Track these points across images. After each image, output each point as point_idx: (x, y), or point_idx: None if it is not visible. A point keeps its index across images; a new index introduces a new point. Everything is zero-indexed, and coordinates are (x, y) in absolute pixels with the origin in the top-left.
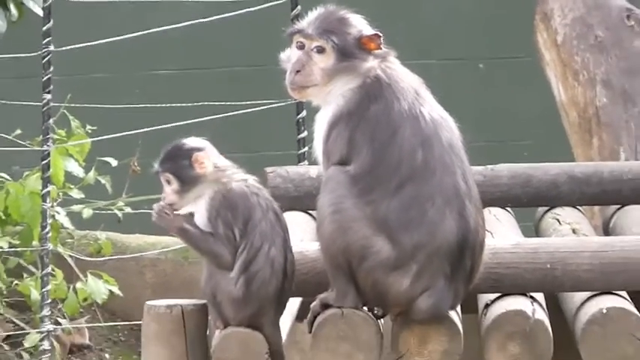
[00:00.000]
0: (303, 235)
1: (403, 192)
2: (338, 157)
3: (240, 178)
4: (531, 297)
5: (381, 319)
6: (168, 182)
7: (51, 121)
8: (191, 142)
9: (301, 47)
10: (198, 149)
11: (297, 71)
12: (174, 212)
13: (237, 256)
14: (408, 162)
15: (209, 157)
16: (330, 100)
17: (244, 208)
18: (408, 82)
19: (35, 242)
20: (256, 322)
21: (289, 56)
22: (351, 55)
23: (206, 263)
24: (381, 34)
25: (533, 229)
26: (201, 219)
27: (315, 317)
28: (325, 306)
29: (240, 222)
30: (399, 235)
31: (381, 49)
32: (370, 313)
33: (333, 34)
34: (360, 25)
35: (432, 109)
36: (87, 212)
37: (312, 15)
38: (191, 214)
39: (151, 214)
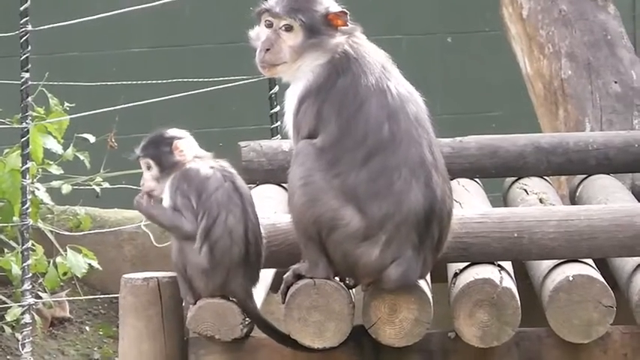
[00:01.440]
0: (277, 208)
1: (370, 163)
2: (307, 131)
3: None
4: (499, 265)
5: (353, 289)
6: (148, 167)
7: (29, 99)
8: (172, 131)
9: (269, 25)
10: (179, 137)
11: (267, 49)
12: (148, 199)
13: (198, 224)
14: (374, 134)
15: (189, 146)
16: (299, 76)
17: (198, 180)
18: (374, 57)
19: (16, 218)
20: (227, 291)
21: (258, 34)
22: (319, 32)
23: (173, 239)
24: (347, 11)
25: (501, 200)
26: (166, 197)
27: (288, 288)
28: (298, 276)
29: (194, 192)
30: (367, 205)
31: (347, 25)
32: (342, 283)
33: (300, 12)
34: (326, 2)
35: (398, 83)
36: (66, 188)
37: None
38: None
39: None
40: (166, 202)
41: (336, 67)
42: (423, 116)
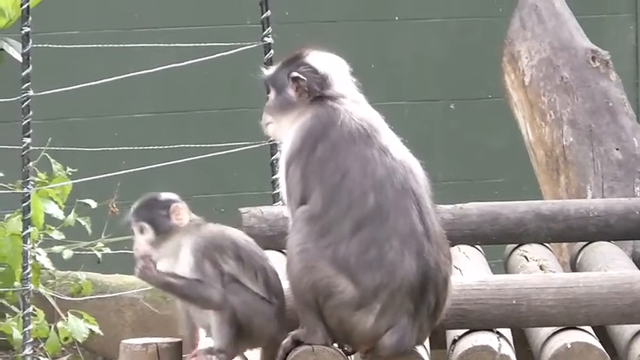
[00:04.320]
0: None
1: (359, 235)
2: (298, 197)
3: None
4: (498, 332)
5: (351, 356)
6: (142, 231)
7: (31, 164)
8: (166, 194)
9: None
10: (176, 201)
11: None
12: (157, 267)
13: (256, 282)
14: (359, 206)
15: (187, 210)
16: (284, 140)
17: (229, 243)
18: (359, 121)
19: (17, 283)
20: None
21: None
22: (285, 94)
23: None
24: (304, 78)
25: (502, 266)
26: (185, 267)
27: (286, 354)
28: (296, 342)
29: (232, 257)
30: (360, 276)
31: (308, 91)
32: (340, 350)
33: (272, 74)
34: (299, 66)
35: (386, 149)
36: (67, 253)
37: None
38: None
39: (135, 271)
40: (187, 272)
41: (310, 131)
42: (414, 183)
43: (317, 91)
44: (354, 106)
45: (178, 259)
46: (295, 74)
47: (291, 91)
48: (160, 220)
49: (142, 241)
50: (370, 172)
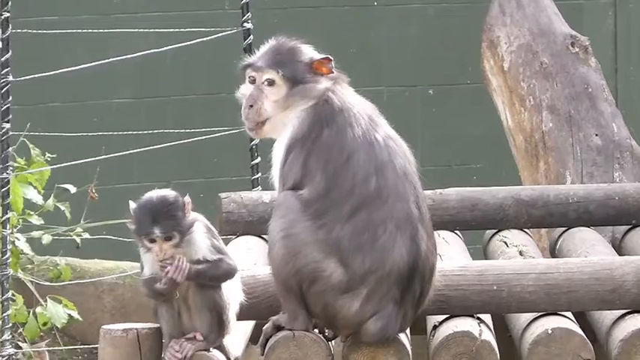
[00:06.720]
0: (257, 259)
1: (356, 217)
2: (292, 182)
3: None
4: (478, 318)
5: (332, 341)
6: (170, 239)
7: (10, 149)
8: (166, 192)
9: (253, 81)
10: (179, 196)
11: (251, 106)
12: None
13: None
14: (361, 188)
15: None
16: (286, 125)
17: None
18: (361, 107)
19: None
20: None
21: (244, 92)
22: (303, 81)
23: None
24: (331, 58)
25: (482, 252)
26: (205, 250)
27: (267, 339)
28: (277, 328)
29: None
30: (351, 258)
31: (333, 72)
32: (321, 335)
33: (282, 65)
34: (309, 51)
35: (386, 135)
36: (46, 238)
37: (263, 48)
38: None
39: (164, 277)
40: (207, 253)
41: (319, 115)
42: (411, 169)
43: (335, 75)
44: (351, 91)
45: (193, 246)
46: (322, 56)
47: (309, 77)
48: (183, 224)
49: (167, 247)
50: (373, 156)
